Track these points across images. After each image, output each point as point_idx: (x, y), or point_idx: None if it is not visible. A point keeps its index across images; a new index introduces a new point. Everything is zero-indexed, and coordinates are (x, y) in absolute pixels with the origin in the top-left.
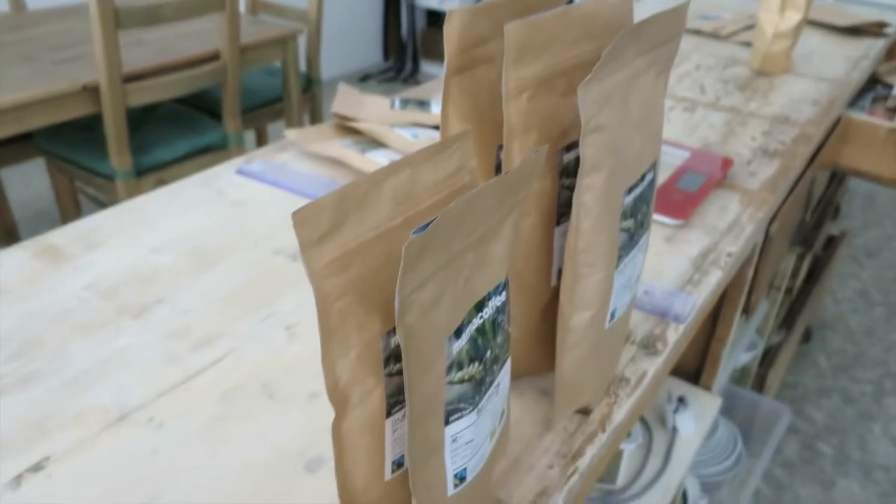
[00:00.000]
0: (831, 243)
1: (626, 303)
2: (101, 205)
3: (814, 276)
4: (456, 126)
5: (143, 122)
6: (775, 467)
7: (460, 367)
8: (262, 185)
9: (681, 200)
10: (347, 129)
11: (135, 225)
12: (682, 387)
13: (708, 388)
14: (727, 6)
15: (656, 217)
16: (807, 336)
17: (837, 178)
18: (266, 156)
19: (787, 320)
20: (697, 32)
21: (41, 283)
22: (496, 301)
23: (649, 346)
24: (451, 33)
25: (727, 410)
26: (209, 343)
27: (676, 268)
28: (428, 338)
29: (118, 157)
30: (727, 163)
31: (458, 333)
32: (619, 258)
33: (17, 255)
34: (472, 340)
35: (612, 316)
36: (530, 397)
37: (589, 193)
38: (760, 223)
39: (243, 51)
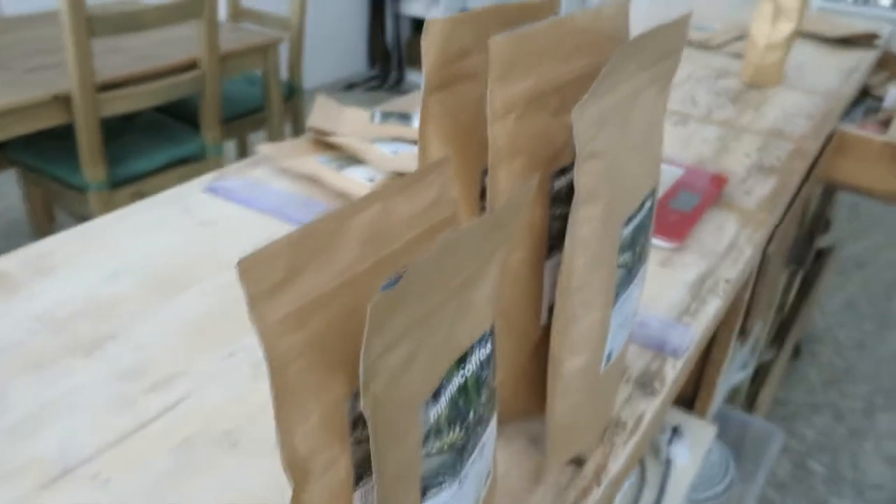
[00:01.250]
0: (820, 257)
1: (622, 342)
2: (79, 217)
3: (804, 290)
4: (436, 148)
5: (120, 131)
6: (767, 488)
7: (439, 436)
8: (234, 204)
9: (676, 221)
10: (325, 143)
11: (93, 248)
12: (675, 415)
13: (702, 414)
14: (717, 16)
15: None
16: (797, 351)
17: (828, 191)
18: (239, 172)
19: (779, 337)
20: (687, 43)
21: None
22: (480, 354)
23: (646, 384)
24: (430, 45)
25: (718, 432)
26: (166, 384)
27: (673, 295)
28: (400, 406)
29: (91, 169)
30: (722, 180)
31: (435, 397)
32: (617, 296)
33: None
34: (453, 403)
35: (608, 358)
36: (519, 445)
37: (585, 226)
38: (758, 245)
39: (223, 59)
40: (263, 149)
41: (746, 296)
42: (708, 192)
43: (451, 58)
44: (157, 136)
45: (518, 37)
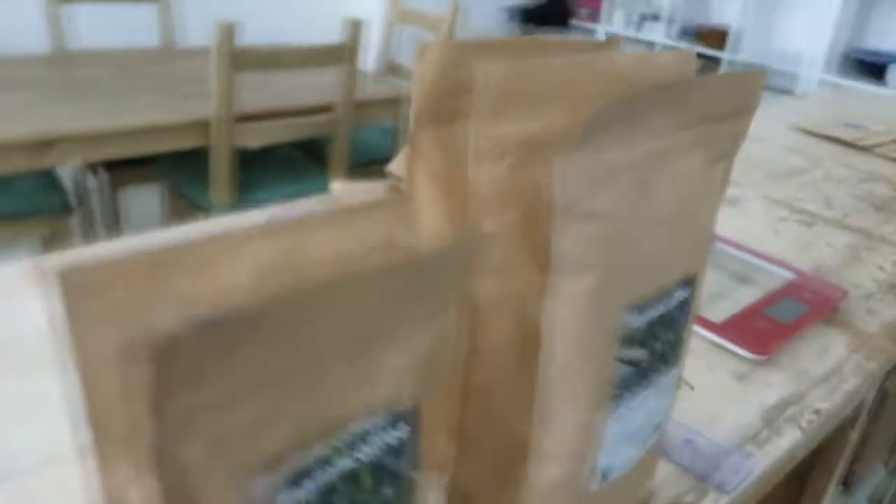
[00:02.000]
0: None
1: (631, 459)
2: None
3: None
4: (425, 190)
5: (256, 161)
6: None
7: None
8: None
9: (765, 330)
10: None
11: None
12: None
13: None
14: (879, 116)
15: (729, 346)
16: None
17: None
18: (308, 209)
19: None
20: (836, 140)
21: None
22: (387, 437)
23: None
24: (424, 73)
25: None
26: None
27: (741, 416)
28: (220, 480)
29: (217, 192)
30: (840, 294)
31: (293, 481)
32: (617, 398)
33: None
34: (327, 492)
35: (604, 475)
36: None
37: (567, 303)
38: (872, 375)
39: (359, 106)
40: (335, 187)
41: (853, 437)
42: (819, 304)
43: (450, 89)
44: (286, 170)
45: (519, 68)
